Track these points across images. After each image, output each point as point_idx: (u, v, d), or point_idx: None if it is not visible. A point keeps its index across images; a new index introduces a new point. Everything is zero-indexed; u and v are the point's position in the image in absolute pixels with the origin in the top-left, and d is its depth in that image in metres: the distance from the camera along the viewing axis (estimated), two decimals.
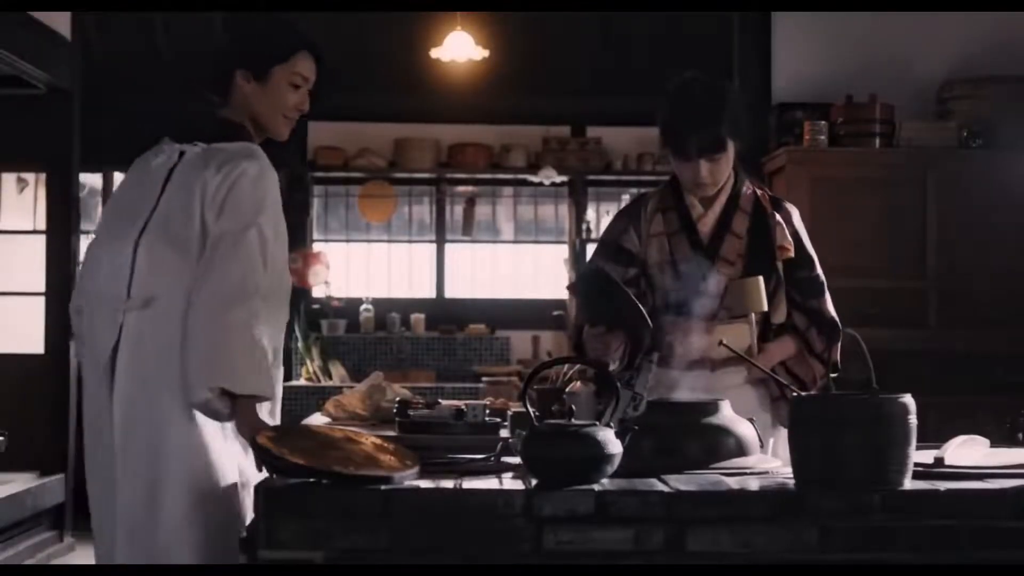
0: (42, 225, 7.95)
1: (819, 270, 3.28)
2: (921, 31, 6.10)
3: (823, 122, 5.86)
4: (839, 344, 3.23)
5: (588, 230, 8.90)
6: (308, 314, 8.47)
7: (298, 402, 7.97)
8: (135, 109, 8.52)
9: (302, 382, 8.24)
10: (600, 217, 9.04)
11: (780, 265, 3.21)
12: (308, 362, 8.23)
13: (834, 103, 5.94)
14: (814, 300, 3.25)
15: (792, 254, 3.21)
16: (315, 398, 7.56)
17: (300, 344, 8.31)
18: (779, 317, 3.22)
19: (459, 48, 7.47)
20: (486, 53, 7.53)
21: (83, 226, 7.81)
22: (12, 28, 6.44)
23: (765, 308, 3.04)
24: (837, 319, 3.24)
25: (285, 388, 8.28)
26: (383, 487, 2.32)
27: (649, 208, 3.27)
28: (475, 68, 7.54)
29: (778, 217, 3.23)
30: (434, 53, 7.56)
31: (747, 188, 3.26)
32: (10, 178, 9.04)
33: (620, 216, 3.34)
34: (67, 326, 7.15)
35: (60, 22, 7.13)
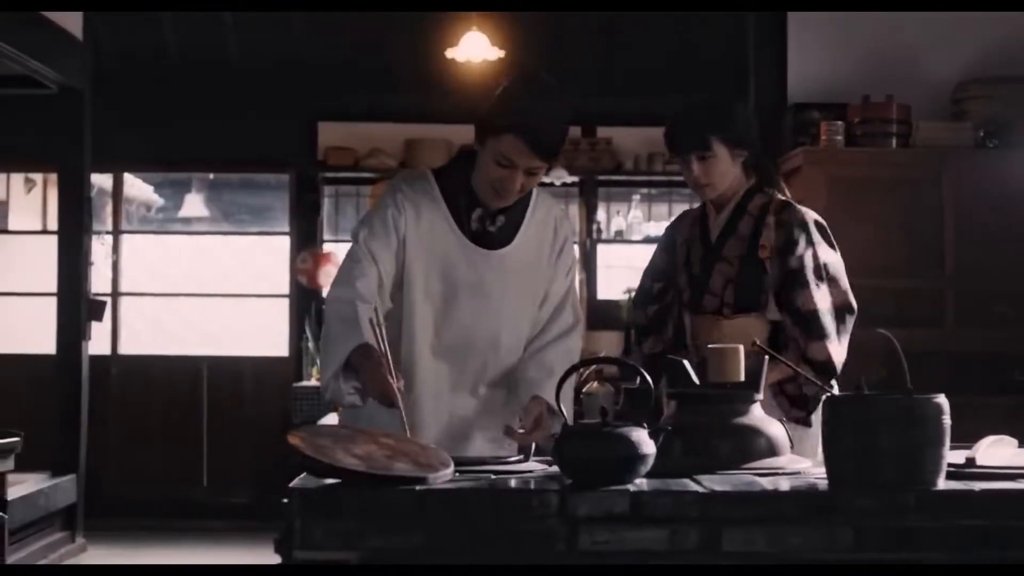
0: (50, 225, 7.96)
1: (804, 265, 3.28)
2: (936, 31, 6.09)
3: (839, 122, 5.85)
4: (825, 342, 3.23)
5: (599, 230, 8.88)
6: (319, 315, 8.46)
7: (309, 402, 7.96)
8: (145, 109, 8.53)
9: (313, 382, 8.23)
10: (611, 217, 9.02)
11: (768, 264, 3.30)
12: (319, 363, 8.22)
13: (850, 103, 5.93)
14: (790, 293, 3.28)
15: (767, 254, 3.30)
16: None
17: (311, 345, 8.31)
18: (771, 315, 3.31)
19: (474, 48, 7.46)
20: (501, 53, 7.52)
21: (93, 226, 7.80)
22: (23, 28, 6.44)
23: (742, 379, 2.80)
24: (817, 312, 3.24)
25: (296, 389, 8.30)
26: (418, 487, 2.31)
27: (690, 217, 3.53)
28: (489, 68, 7.53)
29: (772, 218, 3.31)
30: (449, 53, 7.55)
31: (762, 194, 3.36)
32: (19, 178, 9.06)
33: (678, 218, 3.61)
34: (78, 326, 7.24)
35: (71, 22, 7.13)
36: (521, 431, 2.90)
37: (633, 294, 3.49)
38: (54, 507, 6.90)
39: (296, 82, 8.53)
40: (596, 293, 8.78)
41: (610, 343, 8.26)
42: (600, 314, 8.55)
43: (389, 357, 2.80)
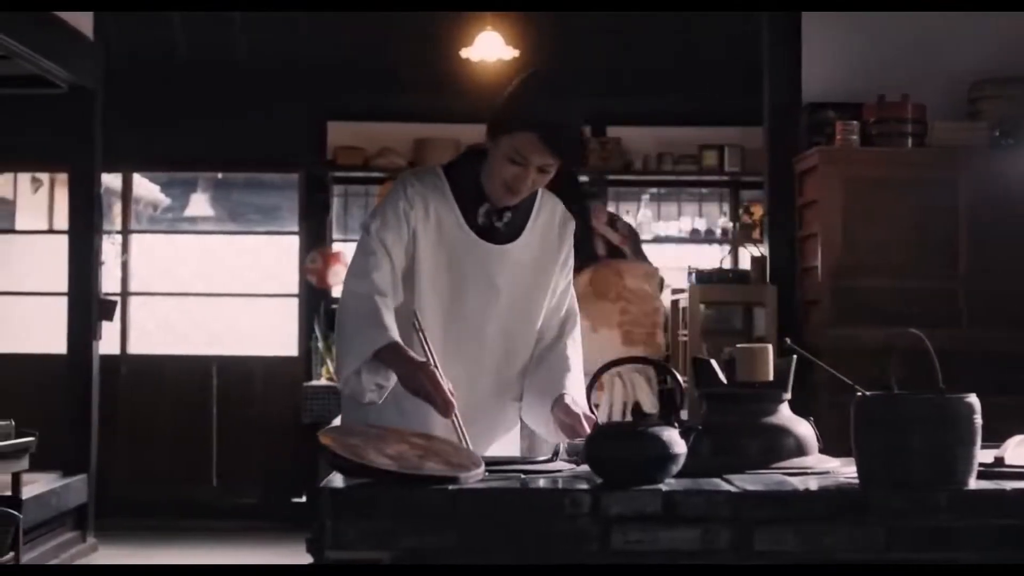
0: (58, 225, 7.92)
1: None
2: (951, 31, 6.09)
3: (855, 122, 5.85)
4: None
5: None
6: (328, 314, 8.45)
7: (319, 402, 7.96)
8: (154, 109, 8.52)
9: (323, 382, 8.22)
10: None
11: None
12: (328, 362, 8.21)
13: (865, 103, 5.92)
14: None
15: None
16: (336, 398, 7.55)
17: (320, 345, 8.30)
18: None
19: (489, 48, 7.45)
20: (516, 53, 7.51)
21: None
22: (35, 27, 6.44)
23: (770, 378, 2.79)
24: None
25: (306, 388, 8.28)
26: (450, 487, 2.30)
27: None
28: (504, 68, 7.52)
29: None
30: (464, 53, 7.54)
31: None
32: (26, 178, 9.05)
33: None
34: (89, 326, 7.24)
35: (82, 21, 7.13)
36: (573, 439, 2.90)
37: None
38: (65, 507, 6.90)
39: (305, 82, 8.53)
40: None
41: None
42: None
43: (437, 364, 2.80)
